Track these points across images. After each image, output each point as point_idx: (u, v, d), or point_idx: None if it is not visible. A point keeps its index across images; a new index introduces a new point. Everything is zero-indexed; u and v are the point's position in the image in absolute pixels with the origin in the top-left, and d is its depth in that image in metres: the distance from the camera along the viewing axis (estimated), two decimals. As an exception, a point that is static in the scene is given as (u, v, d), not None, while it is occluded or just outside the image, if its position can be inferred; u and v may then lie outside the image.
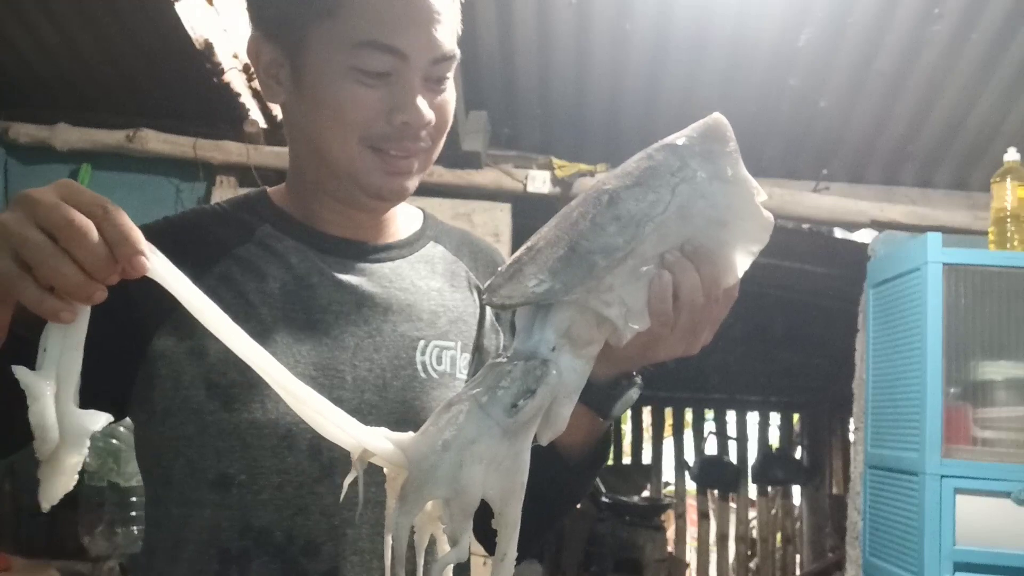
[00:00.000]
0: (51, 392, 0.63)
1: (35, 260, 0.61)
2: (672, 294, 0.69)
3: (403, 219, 1.02)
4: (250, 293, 0.89)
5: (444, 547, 0.72)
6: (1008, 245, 2.28)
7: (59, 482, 0.65)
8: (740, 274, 0.72)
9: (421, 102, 0.87)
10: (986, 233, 2.40)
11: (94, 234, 0.62)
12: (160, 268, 0.66)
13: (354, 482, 0.69)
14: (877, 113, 2.77)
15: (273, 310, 0.89)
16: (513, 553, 0.67)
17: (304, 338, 0.89)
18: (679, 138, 0.71)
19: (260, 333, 0.86)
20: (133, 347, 0.87)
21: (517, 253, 0.70)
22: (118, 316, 0.84)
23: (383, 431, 0.70)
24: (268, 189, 1.00)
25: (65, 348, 0.65)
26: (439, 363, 0.94)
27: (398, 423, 0.87)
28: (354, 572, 0.87)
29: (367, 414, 0.87)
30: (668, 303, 0.69)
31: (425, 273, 0.98)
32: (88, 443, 0.66)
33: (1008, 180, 2.31)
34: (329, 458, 0.87)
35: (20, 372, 0.63)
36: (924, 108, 2.73)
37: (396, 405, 0.90)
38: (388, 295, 0.94)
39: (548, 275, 0.67)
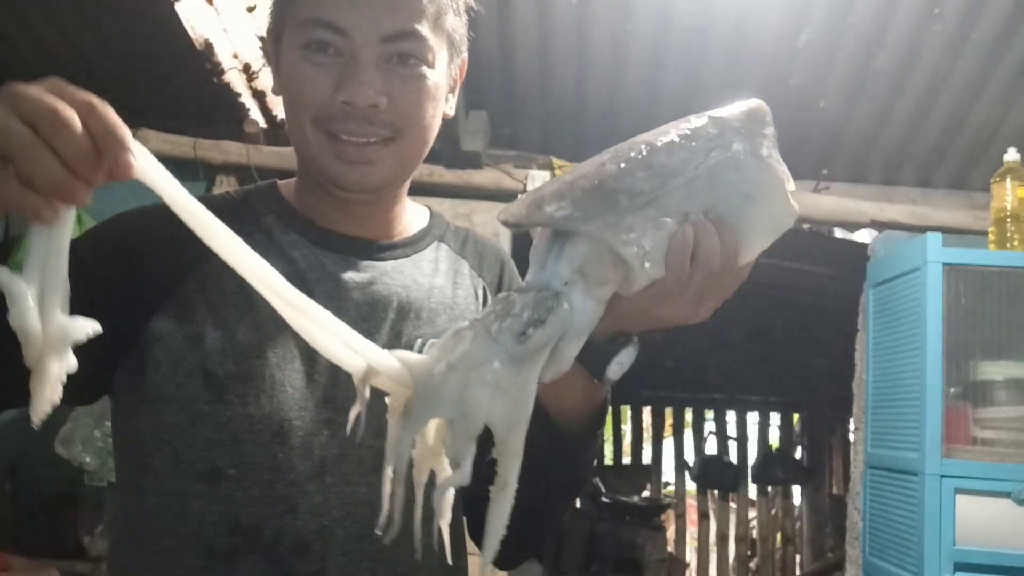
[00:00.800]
0: (32, 294, 0.60)
1: (13, 151, 0.58)
2: (691, 252, 0.69)
3: (410, 217, 1.01)
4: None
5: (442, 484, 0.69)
6: (1008, 245, 2.28)
7: (43, 393, 0.62)
8: (756, 254, 0.72)
9: (366, 81, 0.84)
10: (986, 233, 2.40)
11: (77, 126, 0.59)
12: (147, 167, 0.63)
13: (358, 416, 0.67)
14: (877, 113, 2.77)
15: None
16: (514, 483, 0.65)
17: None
18: (720, 111, 0.71)
19: (257, 326, 0.86)
20: (128, 326, 0.85)
21: (539, 186, 0.70)
22: (116, 291, 0.84)
23: (390, 351, 0.68)
24: (279, 182, 0.99)
25: (49, 252, 0.61)
26: None
27: None
28: (342, 573, 0.86)
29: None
30: (686, 258, 0.68)
31: (428, 271, 0.97)
32: (72, 354, 0.62)
33: (1008, 180, 2.31)
34: (320, 456, 0.86)
35: (1, 272, 0.60)
36: (924, 108, 2.73)
37: None
38: (388, 292, 0.93)
39: (569, 203, 0.66)
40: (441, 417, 0.66)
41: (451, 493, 0.68)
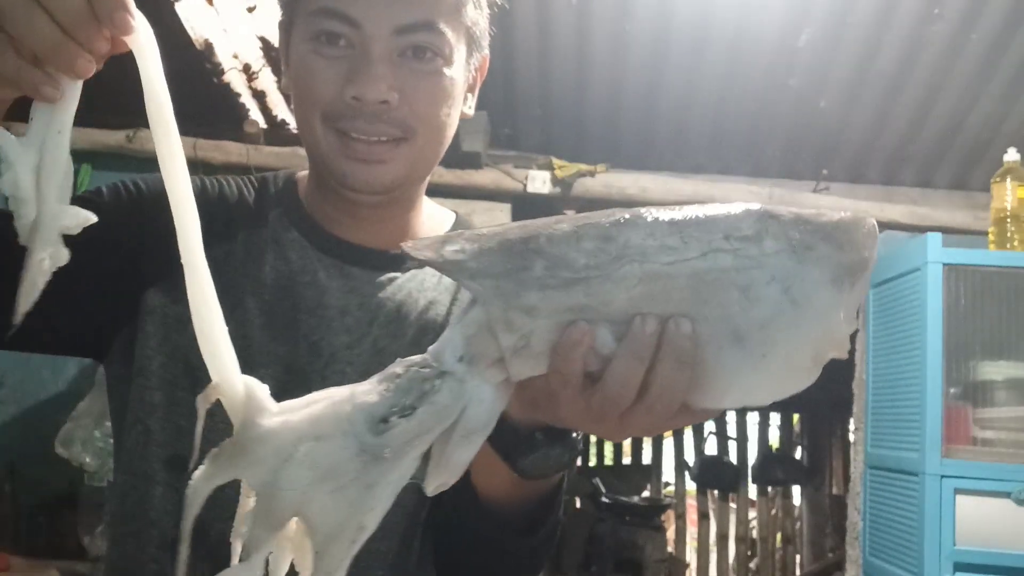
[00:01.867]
0: (31, 162, 0.56)
1: (4, 16, 0.54)
2: (593, 357, 0.52)
3: (427, 225, 0.95)
4: (245, 278, 0.86)
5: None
6: (1008, 245, 2.28)
7: (27, 280, 0.56)
8: (718, 408, 0.52)
9: (377, 76, 0.79)
10: (986, 233, 2.40)
11: None
12: (144, 42, 0.59)
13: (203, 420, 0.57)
14: (877, 113, 2.77)
15: (261, 302, 0.85)
16: None
17: (282, 338, 0.85)
18: (788, 210, 0.51)
19: (242, 323, 0.84)
20: (124, 297, 0.84)
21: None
22: (123, 251, 0.83)
23: (256, 382, 0.55)
24: (298, 174, 0.95)
25: (49, 132, 0.57)
26: None
27: None
28: None
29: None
30: (571, 365, 0.51)
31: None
32: (64, 247, 0.57)
33: (1008, 180, 2.30)
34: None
35: None
36: (924, 108, 2.73)
37: None
38: (376, 306, 0.88)
39: (474, 250, 0.50)
40: (246, 479, 0.52)
41: None
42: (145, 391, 0.84)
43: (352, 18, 0.80)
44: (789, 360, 0.50)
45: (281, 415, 0.52)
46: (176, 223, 0.60)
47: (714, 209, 0.51)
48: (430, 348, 0.53)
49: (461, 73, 0.86)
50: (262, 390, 0.55)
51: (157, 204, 0.87)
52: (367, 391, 0.51)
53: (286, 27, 0.87)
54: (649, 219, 0.50)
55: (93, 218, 0.58)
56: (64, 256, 0.57)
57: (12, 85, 0.56)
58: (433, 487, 0.52)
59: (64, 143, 0.58)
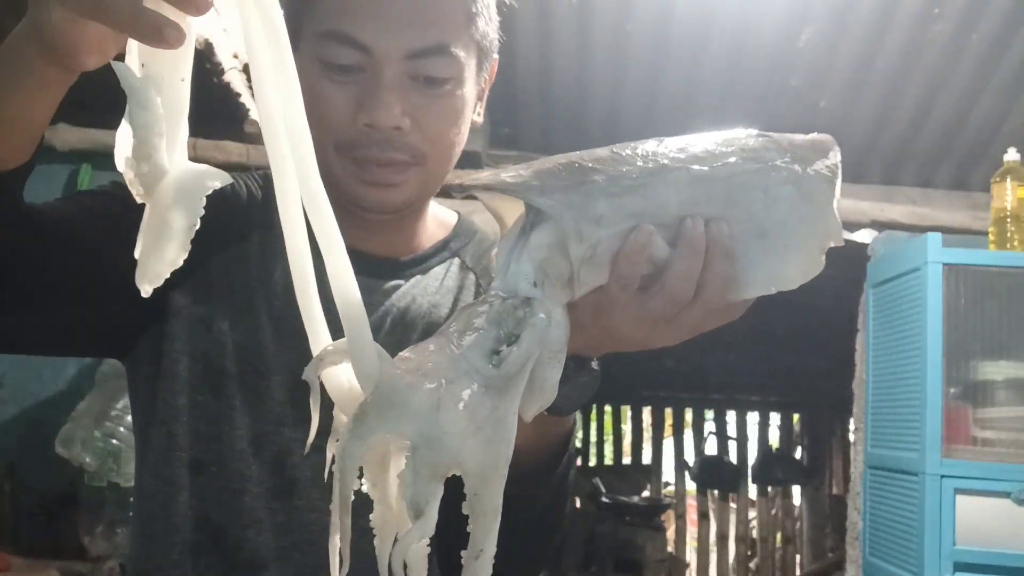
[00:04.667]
0: (159, 106, 0.48)
1: None
2: (649, 261, 0.55)
3: (431, 230, 0.95)
4: (257, 283, 0.86)
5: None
6: (1008, 245, 2.28)
7: (167, 251, 0.51)
8: (750, 296, 0.58)
9: (389, 102, 0.78)
10: (986, 233, 2.40)
11: None
12: None
13: (318, 411, 0.56)
14: (877, 113, 2.77)
15: (271, 308, 0.86)
16: (492, 548, 0.51)
17: (291, 345, 0.85)
18: (778, 136, 0.60)
19: (254, 330, 0.85)
20: (150, 297, 0.83)
21: None
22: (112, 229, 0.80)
23: (378, 346, 0.54)
24: None
25: (172, 80, 0.49)
26: None
27: None
28: None
29: (336, 436, 0.84)
30: (636, 268, 0.55)
31: (432, 290, 0.92)
32: (202, 206, 0.50)
33: (1008, 180, 2.30)
34: (291, 476, 0.83)
35: (121, 69, 0.48)
36: (924, 108, 2.73)
37: None
38: (383, 314, 0.89)
39: (531, 173, 0.53)
40: (400, 436, 0.50)
41: (419, 552, 0.51)
42: (171, 394, 0.84)
43: (363, 44, 0.78)
44: (804, 248, 0.57)
45: (410, 369, 0.51)
46: (281, 211, 0.56)
47: (725, 132, 0.58)
48: (495, 285, 0.55)
49: (472, 89, 0.85)
50: (383, 351, 0.53)
51: None
52: (460, 333, 0.52)
53: (291, 39, 0.86)
54: (672, 141, 0.56)
55: (229, 178, 0.55)
56: (200, 213, 0.52)
57: (128, 29, 0.49)
58: (534, 410, 0.54)
59: (187, 93, 0.51)
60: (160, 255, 0.51)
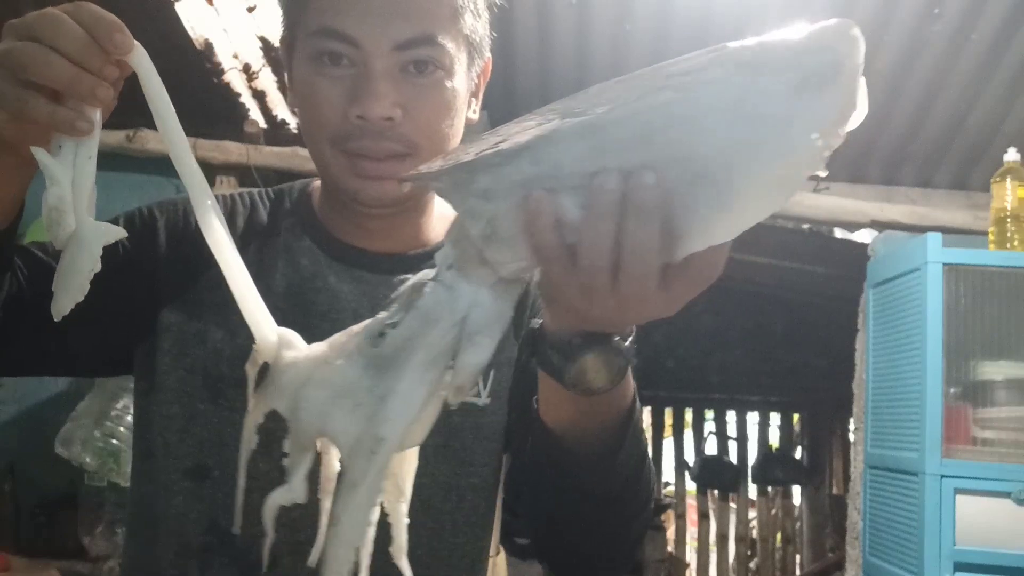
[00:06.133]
0: (69, 179, 0.61)
1: (26, 63, 0.60)
2: (565, 229, 0.49)
3: (440, 227, 0.95)
4: (257, 286, 0.87)
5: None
6: (1008, 245, 2.28)
7: (72, 288, 0.63)
8: (692, 251, 0.48)
9: (380, 93, 0.80)
10: (986, 233, 2.40)
11: (69, 21, 0.61)
12: (142, 60, 0.65)
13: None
14: (877, 113, 2.76)
15: (274, 310, 0.86)
16: (350, 519, 0.55)
17: None
18: (765, 36, 0.46)
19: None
20: (142, 316, 0.88)
21: None
22: (138, 273, 0.87)
23: (290, 332, 0.63)
24: (315, 183, 0.97)
25: (79, 158, 0.63)
26: None
27: None
28: None
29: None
30: (542, 237, 0.50)
31: None
32: (100, 253, 0.63)
33: (1008, 180, 2.31)
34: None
35: (39, 153, 0.61)
36: (924, 108, 2.73)
37: None
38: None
39: (436, 162, 0.54)
40: (276, 408, 0.58)
41: (350, 521, 0.56)
42: (163, 405, 0.87)
43: (351, 37, 0.80)
44: (757, 183, 0.45)
45: (304, 350, 0.57)
46: (196, 212, 0.65)
47: (680, 59, 0.47)
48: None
49: (463, 82, 0.86)
50: (294, 335, 0.62)
51: (169, 229, 0.91)
52: (378, 317, 0.55)
53: (288, 45, 0.88)
54: (606, 83, 0.49)
55: (124, 233, 0.65)
56: (98, 265, 0.63)
57: (49, 125, 0.61)
58: (454, 392, 0.54)
59: (93, 167, 0.63)
60: (67, 291, 0.63)
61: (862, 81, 0.44)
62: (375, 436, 0.53)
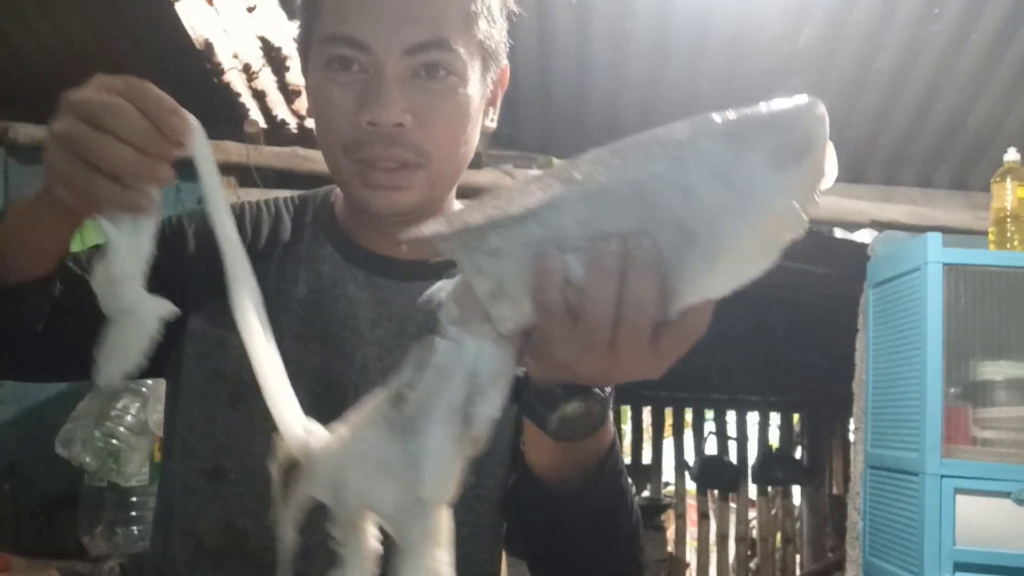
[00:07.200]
0: (132, 252, 0.63)
1: (91, 151, 0.62)
2: (569, 289, 0.53)
3: None
4: (278, 296, 0.88)
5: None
6: (1008, 245, 2.28)
7: (122, 361, 0.63)
8: (684, 307, 0.52)
9: (390, 99, 0.79)
10: (986, 233, 2.40)
11: (130, 109, 0.62)
12: (199, 140, 0.66)
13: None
14: (877, 113, 2.77)
15: (294, 317, 0.88)
16: None
17: (315, 350, 0.87)
18: (733, 112, 0.50)
19: (277, 339, 0.86)
20: (176, 322, 0.88)
21: None
22: (169, 282, 0.86)
23: (315, 425, 0.63)
24: (336, 188, 0.96)
25: (137, 229, 0.65)
26: None
27: None
28: None
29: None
30: (551, 296, 0.52)
31: None
32: (157, 327, 0.65)
33: (1008, 180, 2.31)
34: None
35: (107, 226, 0.63)
36: (924, 108, 2.73)
37: None
38: (406, 317, 0.90)
39: (441, 223, 0.54)
40: (318, 497, 0.58)
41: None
42: (185, 408, 0.89)
43: (361, 42, 0.79)
44: (742, 248, 0.50)
45: (327, 435, 0.58)
46: (232, 294, 0.67)
47: (658, 130, 0.52)
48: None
49: (477, 89, 0.85)
50: (314, 424, 0.62)
51: (198, 237, 0.92)
52: (393, 383, 0.56)
53: (303, 53, 0.88)
54: (600, 151, 0.52)
55: (177, 311, 0.67)
56: (154, 334, 0.65)
57: (116, 208, 0.64)
58: (470, 445, 0.55)
59: (150, 240, 0.65)
60: (117, 364, 0.64)
61: (831, 147, 0.50)
62: (418, 498, 0.54)
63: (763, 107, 0.50)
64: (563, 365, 0.57)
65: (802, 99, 0.50)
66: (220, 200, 0.67)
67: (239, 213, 0.94)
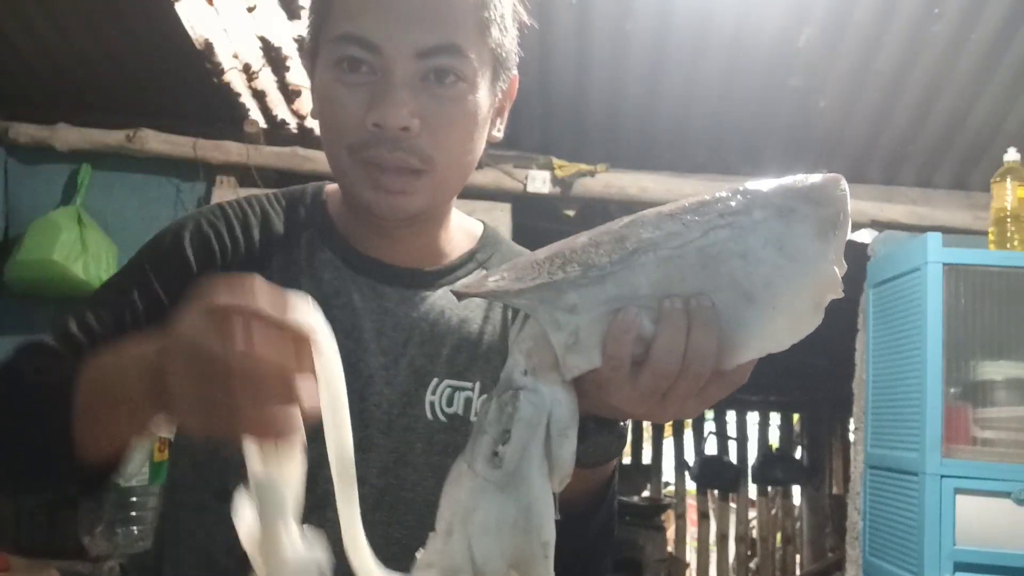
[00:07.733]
0: (285, 499, 0.60)
1: (235, 387, 0.57)
2: (636, 341, 0.57)
3: (456, 239, 0.95)
4: None
5: None
6: (1008, 245, 2.28)
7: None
8: (742, 362, 0.59)
9: (398, 101, 0.78)
10: (986, 233, 2.40)
11: (277, 374, 0.58)
12: (329, 351, 0.62)
13: None
14: (877, 113, 2.77)
15: None
16: None
17: None
18: (771, 182, 0.59)
19: None
20: None
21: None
22: (170, 301, 0.86)
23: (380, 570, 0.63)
24: (327, 188, 0.95)
25: (282, 461, 0.61)
26: (449, 405, 0.88)
27: (396, 463, 0.86)
28: None
29: (367, 451, 0.84)
30: (624, 348, 0.57)
31: (460, 303, 0.91)
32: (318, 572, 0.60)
33: (1008, 180, 2.31)
34: (324, 490, 0.82)
35: (259, 476, 0.60)
36: (924, 108, 2.73)
37: (397, 444, 0.87)
38: (410, 326, 0.89)
39: (512, 275, 0.58)
40: None
41: None
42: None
43: (373, 43, 0.78)
44: (795, 307, 0.57)
45: (441, 526, 0.58)
46: (336, 487, 0.65)
47: (710, 196, 0.59)
48: (501, 376, 0.60)
49: (486, 97, 0.85)
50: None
51: (196, 251, 0.88)
52: (470, 444, 0.59)
53: (311, 54, 0.87)
54: (652, 215, 0.58)
55: (327, 558, 0.62)
56: None
57: (258, 437, 0.61)
58: (557, 484, 0.59)
59: (301, 473, 0.62)
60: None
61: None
62: (542, 543, 0.58)
63: (799, 180, 0.58)
64: (614, 407, 0.61)
65: (830, 176, 0.58)
66: (343, 412, 0.63)
67: (221, 213, 0.91)
